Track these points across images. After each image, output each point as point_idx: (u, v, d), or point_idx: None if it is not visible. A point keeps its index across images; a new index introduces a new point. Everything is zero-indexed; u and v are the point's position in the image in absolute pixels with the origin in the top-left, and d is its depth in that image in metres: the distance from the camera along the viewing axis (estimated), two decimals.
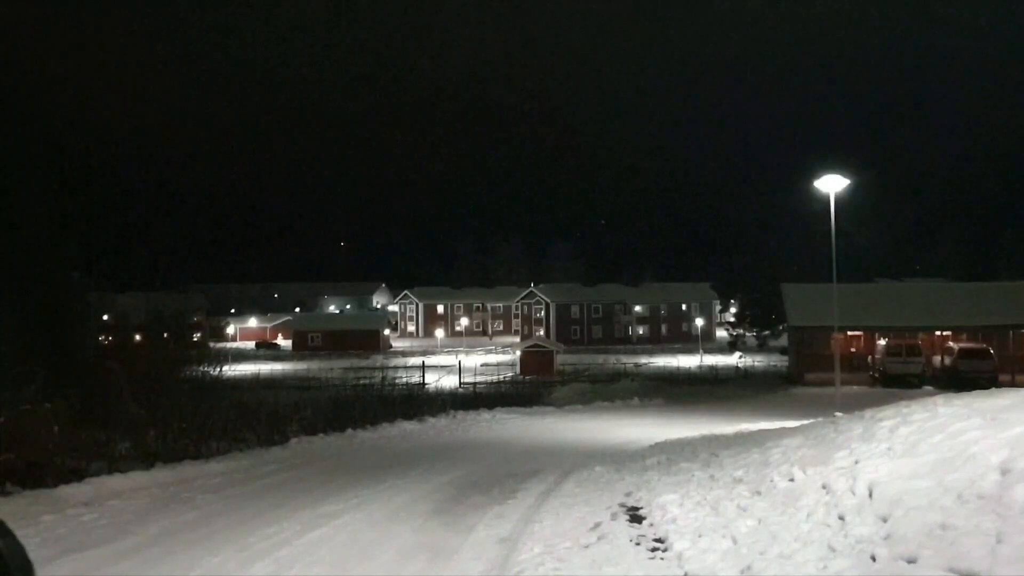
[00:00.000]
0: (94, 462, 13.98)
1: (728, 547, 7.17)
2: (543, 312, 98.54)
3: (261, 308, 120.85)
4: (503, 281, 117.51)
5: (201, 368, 23.14)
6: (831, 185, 23.45)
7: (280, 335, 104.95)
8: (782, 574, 6.06)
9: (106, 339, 27.14)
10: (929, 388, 33.71)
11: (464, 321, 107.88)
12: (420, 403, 28.29)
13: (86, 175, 24.52)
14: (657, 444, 17.68)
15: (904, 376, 39.44)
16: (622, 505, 10.28)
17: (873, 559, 5.57)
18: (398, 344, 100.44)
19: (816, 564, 5.98)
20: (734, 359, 61.63)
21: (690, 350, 76.53)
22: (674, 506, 9.22)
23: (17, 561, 2.28)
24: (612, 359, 67.39)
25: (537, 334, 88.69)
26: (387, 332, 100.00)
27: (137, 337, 27.03)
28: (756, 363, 59.92)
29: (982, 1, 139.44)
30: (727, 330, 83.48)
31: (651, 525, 8.90)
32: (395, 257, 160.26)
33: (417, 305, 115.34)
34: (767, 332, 76.16)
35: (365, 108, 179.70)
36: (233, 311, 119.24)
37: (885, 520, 6.04)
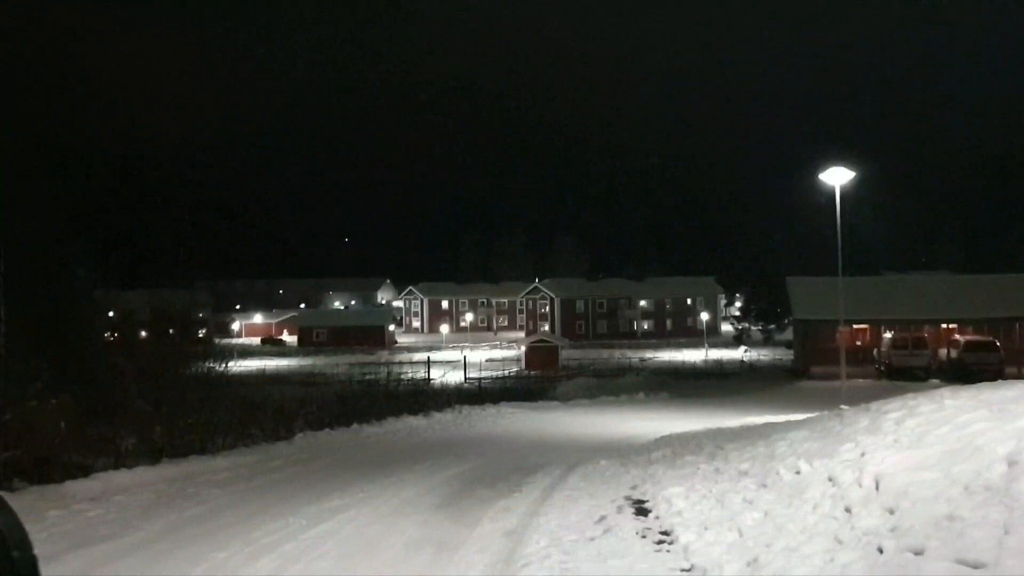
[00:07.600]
0: (100, 458, 14.02)
1: (734, 539, 7.17)
2: (548, 307, 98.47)
3: (266, 304, 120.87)
4: (507, 276, 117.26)
5: (206, 364, 23.14)
6: (836, 178, 23.34)
7: (285, 331, 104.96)
8: (788, 566, 6.05)
9: (112, 336, 27.15)
10: (935, 381, 33.60)
11: (469, 316, 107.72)
12: (425, 398, 28.28)
13: (92, 173, 24.59)
14: (662, 438, 17.67)
15: (910, 369, 39.33)
16: (628, 498, 10.28)
17: (880, 551, 5.55)
18: (403, 340, 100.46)
19: (822, 556, 5.96)
20: (739, 353, 61.50)
21: (695, 344, 76.38)
22: (680, 499, 9.21)
23: (15, 536, 2.28)
24: (617, 354, 67.27)
25: (542, 329, 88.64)
26: (392, 328, 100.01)
27: (143, 333, 27.08)
28: (761, 357, 59.85)
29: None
30: (732, 324, 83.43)
31: (657, 518, 8.90)
32: (399, 253, 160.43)
33: (422, 301, 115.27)
34: (772, 326, 76.10)
35: (369, 104, 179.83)
36: (238, 307, 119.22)
37: (892, 512, 6.02)
